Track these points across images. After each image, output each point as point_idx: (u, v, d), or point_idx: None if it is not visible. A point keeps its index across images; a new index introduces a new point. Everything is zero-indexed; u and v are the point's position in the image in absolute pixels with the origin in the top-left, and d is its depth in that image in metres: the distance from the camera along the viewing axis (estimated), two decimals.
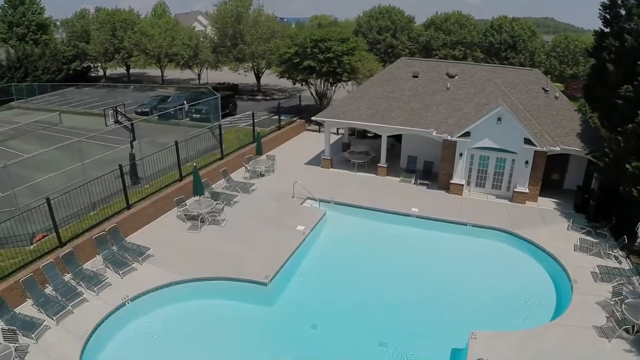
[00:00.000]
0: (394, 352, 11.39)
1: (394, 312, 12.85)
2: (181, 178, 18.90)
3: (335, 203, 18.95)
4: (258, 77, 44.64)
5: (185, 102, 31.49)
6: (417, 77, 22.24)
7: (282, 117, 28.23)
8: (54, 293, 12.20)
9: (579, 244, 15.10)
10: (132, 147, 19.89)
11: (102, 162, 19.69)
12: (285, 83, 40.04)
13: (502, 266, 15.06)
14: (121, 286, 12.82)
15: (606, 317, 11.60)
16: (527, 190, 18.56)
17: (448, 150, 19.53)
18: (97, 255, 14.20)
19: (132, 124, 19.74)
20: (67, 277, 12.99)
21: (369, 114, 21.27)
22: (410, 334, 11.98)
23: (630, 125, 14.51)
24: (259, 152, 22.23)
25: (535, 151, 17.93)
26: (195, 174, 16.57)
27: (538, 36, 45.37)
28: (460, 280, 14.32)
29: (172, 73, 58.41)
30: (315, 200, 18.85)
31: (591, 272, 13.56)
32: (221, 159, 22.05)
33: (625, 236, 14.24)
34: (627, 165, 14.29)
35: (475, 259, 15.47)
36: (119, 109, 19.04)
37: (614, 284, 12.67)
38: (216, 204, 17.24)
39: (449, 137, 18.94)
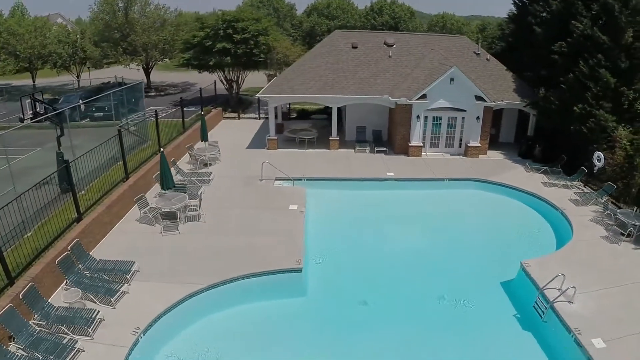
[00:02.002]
0: (454, 301, 11.66)
1: (429, 268, 13.16)
2: (127, 176, 16.11)
3: (307, 179, 18.38)
4: (148, 73, 40.54)
5: (80, 100, 26.64)
6: (356, 47, 22.85)
7: (192, 109, 26.63)
8: (29, 353, 8.17)
9: (545, 181, 17.56)
10: (59, 144, 16.17)
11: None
12: (174, 78, 37.70)
13: (492, 209, 16.67)
14: (120, 318, 9.48)
15: (604, 228, 13.83)
16: (480, 144, 20.77)
17: (403, 114, 20.60)
18: (65, 285, 10.64)
19: (58, 114, 15.96)
20: (36, 323, 9.14)
21: (318, 87, 21.10)
22: (455, 282, 12.40)
23: (570, 75, 17.40)
24: (205, 138, 20.20)
25: (484, 107, 20.15)
26: (163, 162, 14.18)
27: (416, 17, 50.67)
28: (466, 226, 15.47)
29: (44, 80, 49.03)
30: (289, 179, 18.01)
31: (569, 199, 15.93)
32: (159, 151, 19.43)
33: (583, 167, 17.06)
34: (575, 108, 17.12)
35: (467, 207, 16.87)
36: (37, 97, 15.20)
37: (595, 204, 15.20)
38: (188, 196, 15.03)
39: (407, 101, 19.97)
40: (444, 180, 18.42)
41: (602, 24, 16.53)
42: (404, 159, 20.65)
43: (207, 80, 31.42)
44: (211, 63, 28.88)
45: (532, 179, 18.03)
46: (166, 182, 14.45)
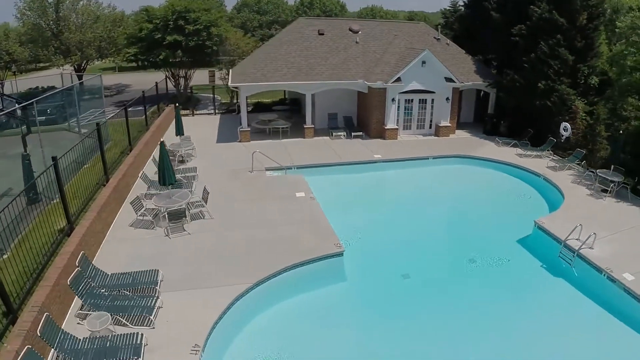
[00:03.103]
0: (484, 261, 12.89)
1: (449, 236, 14.36)
2: (107, 178, 15.02)
3: (297, 167, 18.64)
4: (80, 75, 37.07)
5: (16, 104, 23.49)
6: (323, 34, 23.44)
7: (139, 108, 25.25)
8: None
9: (518, 153, 19.74)
10: (25, 144, 14.48)
11: None
12: (107, 80, 35.13)
13: (481, 181, 18.32)
14: (167, 338, 8.23)
15: (586, 188, 16.10)
16: (450, 124, 22.60)
17: (378, 98, 21.68)
18: (80, 310, 9.00)
19: (23, 108, 14.25)
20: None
21: (292, 74, 21.36)
22: (477, 245, 13.62)
23: (532, 55, 19.77)
24: (180, 132, 19.35)
25: (452, 88, 21.99)
26: (164, 156, 13.13)
27: (347, 10, 52.60)
28: (464, 197, 16.98)
29: None
30: (281, 168, 18.09)
31: (546, 167, 18.16)
32: (130, 150, 18.38)
33: (551, 138, 19.50)
34: (540, 84, 19.50)
35: (458, 180, 18.41)
36: None
37: (569, 169, 17.56)
38: (190, 192, 14.37)
39: (384, 84, 21.07)
40: (428, 158, 19.81)
41: (559, 7, 18.99)
42: (381, 142, 21.72)
43: (141, 82, 29.97)
44: (161, 57, 27.40)
45: (505, 152, 20.13)
46: (168, 177, 13.40)
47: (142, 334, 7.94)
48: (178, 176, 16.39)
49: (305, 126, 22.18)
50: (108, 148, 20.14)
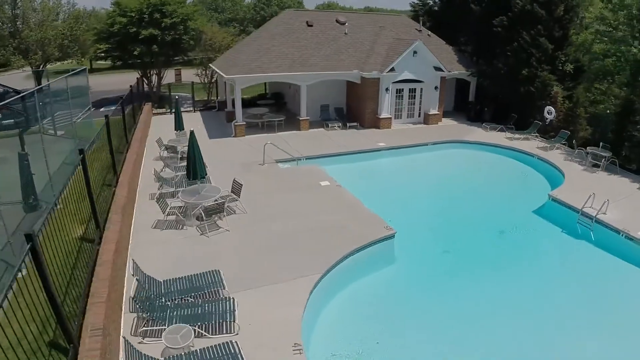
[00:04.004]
0: (510, 232, 14.42)
1: (472, 213, 15.71)
2: (117, 179, 14.73)
3: (306, 158, 19.29)
4: (39, 76, 34.48)
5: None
6: (312, 26, 24.15)
7: (112, 108, 24.68)
8: None
9: (507, 137, 21.76)
10: (22, 142, 13.77)
11: None
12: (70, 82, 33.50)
13: (480, 163, 20.00)
14: (260, 342, 7.92)
15: (579, 164, 18.28)
16: (438, 112, 24.27)
17: (371, 88, 22.84)
18: (145, 326, 8.08)
19: (22, 98, 13.63)
20: None
21: (287, 65, 21.91)
22: (499, 219, 15.13)
23: (515, 44, 21.86)
24: (180, 127, 19.23)
25: (440, 77, 23.65)
26: (195, 147, 13.01)
27: (304, 6, 53.34)
28: (471, 178, 18.54)
29: None
30: (293, 159, 18.65)
31: (537, 147, 20.24)
32: (128, 149, 18.05)
33: (536, 121, 21.68)
34: (523, 71, 21.63)
35: (459, 163, 20.05)
36: None
37: (557, 149, 19.76)
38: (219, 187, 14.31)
39: (379, 74, 22.25)
40: (427, 144, 21.26)
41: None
42: (377, 132, 22.88)
43: (101, 84, 29.03)
44: (136, 53, 26.59)
45: (494, 136, 22.07)
46: (200, 170, 13.34)
47: (236, 342, 7.44)
48: (183, 173, 16.21)
49: (300, 118, 22.78)
50: (98, 148, 19.59)
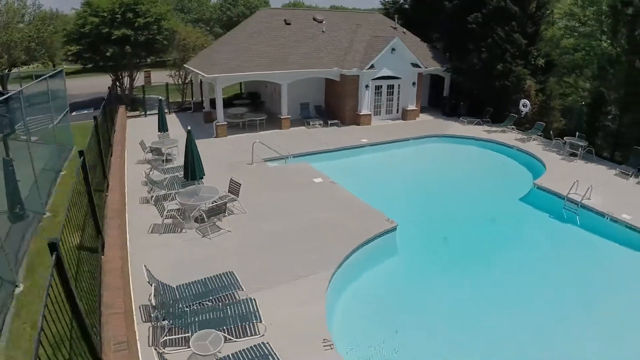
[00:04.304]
0: (502, 220, 14.97)
1: (464, 203, 16.21)
2: (108, 182, 14.32)
3: (293, 157, 19.29)
4: (3, 81, 32.59)
5: None
6: (290, 24, 24.13)
7: (84, 112, 24.01)
8: None
9: (485, 130, 22.50)
10: (7, 147, 13.00)
11: None
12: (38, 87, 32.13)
13: (461, 155, 20.61)
14: (286, 341, 7.84)
15: (556, 153, 19.15)
16: (416, 108, 24.79)
17: (351, 85, 23.08)
18: (167, 335, 7.77)
19: (6, 99, 12.99)
20: None
21: (267, 63, 21.82)
22: (489, 208, 15.71)
23: (490, 40, 22.64)
24: (164, 128, 18.79)
25: (417, 73, 24.17)
26: (192, 147, 12.79)
27: (270, 5, 53.09)
28: (455, 170, 19.14)
29: None
30: (281, 158, 18.60)
31: (515, 139, 21.04)
32: (112, 153, 17.55)
33: (512, 114, 22.51)
34: (498, 66, 22.43)
35: (445, 156, 20.61)
36: None
37: (534, 140, 20.62)
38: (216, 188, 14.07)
39: (360, 71, 22.51)
40: (409, 139, 21.69)
41: None
42: (358, 128, 23.13)
43: (68, 87, 27.78)
44: (108, 54, 25.65)
45: (472, 129, 22.77)
46: (199, 170, 13.16)
47: (268, 343, 7.41)
48: (177, 174, 15.93)
49: (281, 117, 22.73)
50: (71, 157, 18.96)
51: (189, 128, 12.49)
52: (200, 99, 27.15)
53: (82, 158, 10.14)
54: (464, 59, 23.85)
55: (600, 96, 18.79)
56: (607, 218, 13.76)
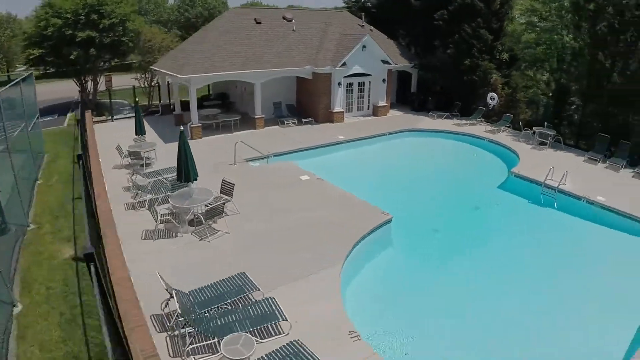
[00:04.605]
0: (484, 207, 15.61)
1: (446, 192, 16.81)
2: (91, 190, 13.80)
3: (274, 155, 19.23)
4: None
5: None
6: (260, 23, 23.98)
7: (47, 118, 23.03)
8: None
9: (455, 123, 23.28)
10: None
11: None
12: None
13: (435, 148, 21.27)
14: (313, 336, 7.80)
15: (526, 143, 20.13)
16: (386, 104, 25.29)
17: (324, 83, 23.26)
18: (195, 343, 7.59)
19: None
20: None
21: (241, 62, 21.63)
22: (469, 196, 16.40)
23: (457, 37, 23.46)
24: (142, 131, 18.17)
25: (387, 70, 24.68)
26: (185, 147, 12.42)
27: (228, 6, 52.33)
28: (430, 162, 19.86)
29: None
30: (263, 157, 18.50)
31: (485, 131, 21.92)
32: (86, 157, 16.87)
33: (480, 107, 23.42)
34: (466, 61, 23.28)
35: (420, 149, 21.14)
36: None
37: (503, 131, 21.58)
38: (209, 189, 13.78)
39: (333, 69, 22.72)
40: (384, 134, 22.12)
41: None
42: (332, 126, 23.32)
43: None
44: (72, 57, 24.40)
45: (443, 123, 23.51)
46: (193, 172, 12.82)
47: (299, 340, 7.43)
48: (161, 178, 15.53)
49: (255, 117, 22.57)
50: (52, 159, 18.13)
51: (182, 128, 12.21)
52: (168, 101, 26.52)
53: (80, 162, 9.76)
54: (431, 55, 24.56)
55: (564, 88, 19.92)
56: (583, 201, 14.65)
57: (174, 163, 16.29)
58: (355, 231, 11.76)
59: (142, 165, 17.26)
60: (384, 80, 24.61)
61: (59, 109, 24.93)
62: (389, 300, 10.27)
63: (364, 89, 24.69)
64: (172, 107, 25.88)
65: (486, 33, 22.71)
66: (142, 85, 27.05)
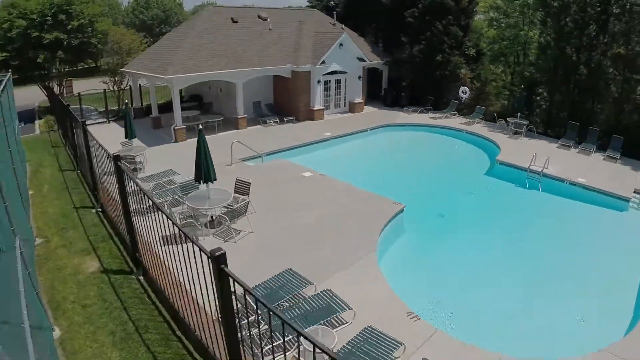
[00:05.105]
0: (476, 192, 16.72)
1: (436, 179, 17.90)
2: (97, 199, 13.64)
3: (266, 155, 19.45)
4: None
5: None
6: (237, 22, 23.98)
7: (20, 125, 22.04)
8: None
9: (430, 116, 24.49)
10: None
11: None
12: None
13: (420, 141, 22.36)
14: (378, 321, 7.97)
15: (501, 133, 21.61)
16: (362, 100, 26.10)
17: (303, 81, 23.71)
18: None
19: None
20: None
21: (223, 62, 21.62)
22: (458, 182, 17.55)
23: (428, 33, 24.64)
24: (133, 135, 17.66)
25: (362, 67, 25.49)
26: (204, 147, 12.35)
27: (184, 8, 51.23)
28: (419, 153, 20.98)
29: None
30: (259, 156, 18.64)
31: (460, 123, 23.25)
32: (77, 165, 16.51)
33: (454, 100, 24.74)
34: (438, 57, 24.52)
35: (403, 143, 22.14)
36: None
37: (477, 123, 23.02)
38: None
39: (313, 67, 23.20)
40: (367, 130, 22.90)
41: None
42: (314, 123, 23.80)
43: None
44: (39, 60, 23.04)
45: (419, 117, 24.65)
46: (213, 172, 12.63)
47: (371, 326, 7.61)
48: (160, 182, 15.27)
49: (238, 117, 22.61)
50: (36, 168, 17.30)
51: (200, 127, 12.18)
52: (140, 104, 25.86)
53: (115, 163, 9.61)
54: (399, 52, 25.62)
55: (533, 80, 21.56)
56: (566, 182, 16.11)
57: (163, 167, 16.42)
58: (376, 220, 12.37)
59: (134, 170, 16.92)
60: (359, 77, 25.39)
61: (22, 116, 23.53)
62: (423, 279, 11.03)
63: (340, 86, 25.34)
64: (144, 109, 25.35)
65: (457, 30, 24.04)
66: (112, 89, 26.14)
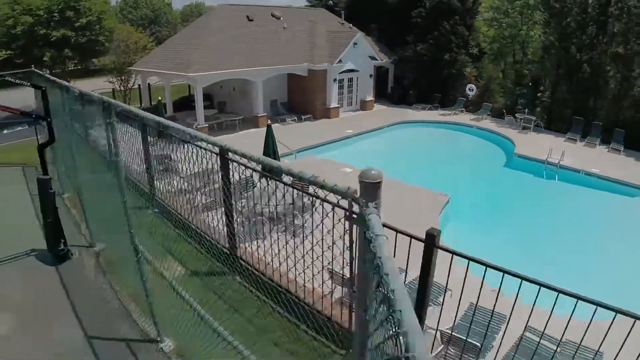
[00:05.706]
0: (504, 183, 18.31)
1: (464, 173, 19.26)
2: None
3: (297, 152, 20.32)
4: None
5: None
6: (252, 20, 24.65)
7: (18, 128, 21.98)
8: None
9: (440, 113, 25.94)
10: (44, 162, 11.12)
11: None
12: None
13: (436, 136, 23.72)
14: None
15: (510, 128, 23.26)
16: (373, 98, 27.29)
17: (320, 80, 24.67)
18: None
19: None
20: None
21: (244, 60, 22.29)
22: (483, 173, 19.07)
23: (436, 33, 26.05)
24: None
25: (374, 65, 26.66)
26: (272, 142, 13.16)
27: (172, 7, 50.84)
28: (438, 148, 22.24)
29: None
30: (291, 153, 19.51)
31: (470, 119, 24.79)
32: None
33: (460, 98, 26.26)
34: (446, 56, 25.99)
35: (421, 138, 23.43)
36: None
37: (485, 119, 24.60)
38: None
39: (330, 66, 24.18)
40: (383, 127, 24.11)
41: None
42: (331, 121, 24.79)
43: None
44: (46, 59, 22.87)
45: (429, 114, 26.05)
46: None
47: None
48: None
49: (258, 115, 23.32)
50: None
51: (269, 122, 13.07)
52: (149, 104, 26.12)
53: (222, 155, 10.21)
54: (403, 51, 26.94)
55: (537, 78, 23.30)
56: (582, 173, 17.80)
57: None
58: (431, 210, 13.60)
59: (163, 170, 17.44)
60: (370, 75, 26.54)
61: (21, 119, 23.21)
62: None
63: (352, 84, 26.40)
64: (164, 109, 25.63)
65: (464, 29, 25.54)
66: (119, 88, 26.28)
